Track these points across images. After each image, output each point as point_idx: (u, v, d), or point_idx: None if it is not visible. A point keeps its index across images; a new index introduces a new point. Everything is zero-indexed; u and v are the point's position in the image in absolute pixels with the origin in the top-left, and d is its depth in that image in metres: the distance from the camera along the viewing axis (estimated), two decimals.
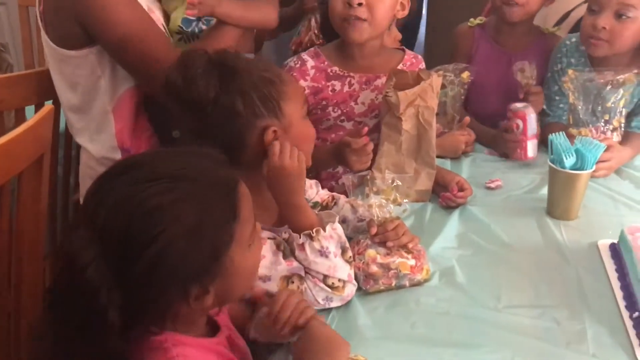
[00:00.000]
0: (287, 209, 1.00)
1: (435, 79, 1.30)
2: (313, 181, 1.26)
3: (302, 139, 1.05)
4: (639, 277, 1.02)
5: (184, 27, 1.35)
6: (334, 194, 1.26)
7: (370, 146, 1.22)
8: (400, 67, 1.43)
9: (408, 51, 1.49)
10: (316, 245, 0.97)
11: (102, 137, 1.26)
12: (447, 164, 1.52)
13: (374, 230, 1.08)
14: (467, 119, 1.60)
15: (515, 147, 1.58)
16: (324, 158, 1.25)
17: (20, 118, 1.33)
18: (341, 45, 1.40)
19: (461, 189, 1.34)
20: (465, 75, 1.57)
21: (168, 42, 1.27)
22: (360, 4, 1.27)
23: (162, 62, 1.15)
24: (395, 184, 1.10)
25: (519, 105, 1.59)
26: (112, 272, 0.67)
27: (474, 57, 1.84)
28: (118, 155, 1.27)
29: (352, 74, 1.39)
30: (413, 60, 1.47)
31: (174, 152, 0.82)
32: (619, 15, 1.50)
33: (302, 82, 1.37)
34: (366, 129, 1.22)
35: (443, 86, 1.54)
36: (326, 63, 1.39)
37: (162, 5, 1.37)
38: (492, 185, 1.45)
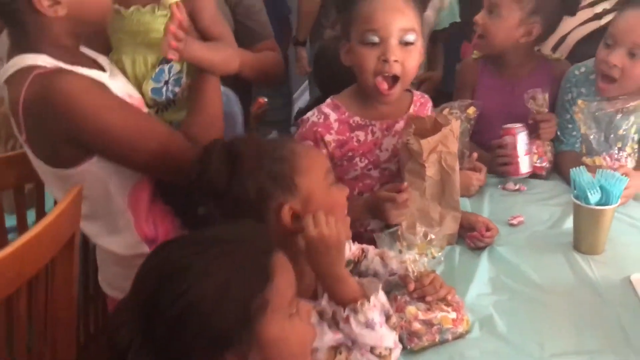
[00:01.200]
0: (328, 280, 0.98)
1: (455, 124, 1.31)
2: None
3: (328, 210, 1.01)
4: None
5: (156, 98, 1.29)
6: (364, 246, 1.25)
7: (411, 200, 1.23)
8: (412, 108, 1.44)
9: (415, 91, 1.50)
10: (361, 318, 0.95)
11: (122, 235, 1.19)
12: (466, 202, 1.53)
13: (412, 286, 1.07)
14: (475, 154, 1.61)
15: (508, 162, 1.62)
16: (358, 213, 1.24)
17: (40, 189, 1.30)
18: (358, 93, 1.39)
19: (487, 229, 1.34)
20: (472, 110, 1.58)
21: (167, 128, 1.21)
22: (396, 61, 1.26)
23: (172, 152, 1.12)
24: (429, 238, 1.09)
25: (509, 124, 1.63)
26: (141, 332, 0.70)
27: (477, 89, 1.85)
28: (145, 249, 1.19)
29: (373, 122, 1.39)
30: (422, 100, 1.48)
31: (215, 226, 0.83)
32: (632, 54, 1.51)
33: (328, 136, 1.36)
34: (405, 184, 1.24)
35: None
36: (347, 114, 1.38)
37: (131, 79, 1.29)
38: (515, 221, 1.45)
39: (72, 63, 1.09)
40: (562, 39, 2.15)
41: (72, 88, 1.03)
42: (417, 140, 1.27)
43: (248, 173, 0.99)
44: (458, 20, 2.33)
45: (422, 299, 1.07)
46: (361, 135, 1.38)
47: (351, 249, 1.21)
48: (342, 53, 1.36)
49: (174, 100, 1.31)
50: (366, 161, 1.39)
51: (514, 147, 1.61)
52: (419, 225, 1.26)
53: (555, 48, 2.17)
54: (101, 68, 1.18)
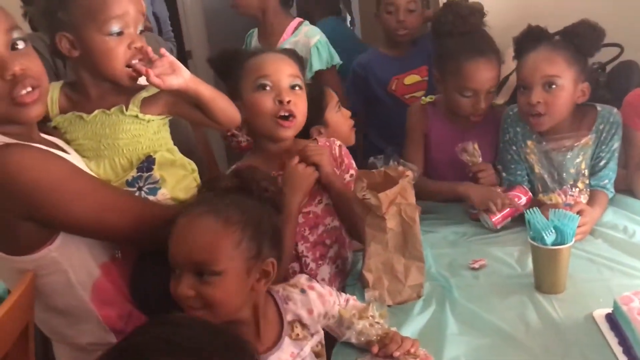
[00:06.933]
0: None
1: (410, 175, 1.33)
2: (329, 289, 1.24)
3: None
4: None
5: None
6: (349, 296, 1.28)
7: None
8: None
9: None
10: None
11: (84, 328, 1.12)
12: (427, 250, 1.53)
13: (375, 349, 1.11)
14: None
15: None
16: None
17: None
18: (263, 150, 1.47)
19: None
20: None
21: (131, 194, 1.18)
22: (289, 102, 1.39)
23: (141, 215, 1.11)
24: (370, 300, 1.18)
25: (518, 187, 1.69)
26: None
27: (428, 135, 1.89)
28: (112, 338, 1.13)
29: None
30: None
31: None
32: (548, 87, 1.59)
33: None
34: None
35: None
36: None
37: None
38: (476, 265, 1.47)
39: (27, 141, 1.04)
40: (504, 80, 2.23)
41: (22, 158, 0.98)
42: (374, 195, 1.28)
43: None
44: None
45: (389, 358, 1.09)
46: None
47: (339, 303, 1.22)
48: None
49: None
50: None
51: (514, 206, 1.64)
52: (385, 278, 1.26)
53: (497, 91, 2.25)
54: (63, 150, 1.14)
